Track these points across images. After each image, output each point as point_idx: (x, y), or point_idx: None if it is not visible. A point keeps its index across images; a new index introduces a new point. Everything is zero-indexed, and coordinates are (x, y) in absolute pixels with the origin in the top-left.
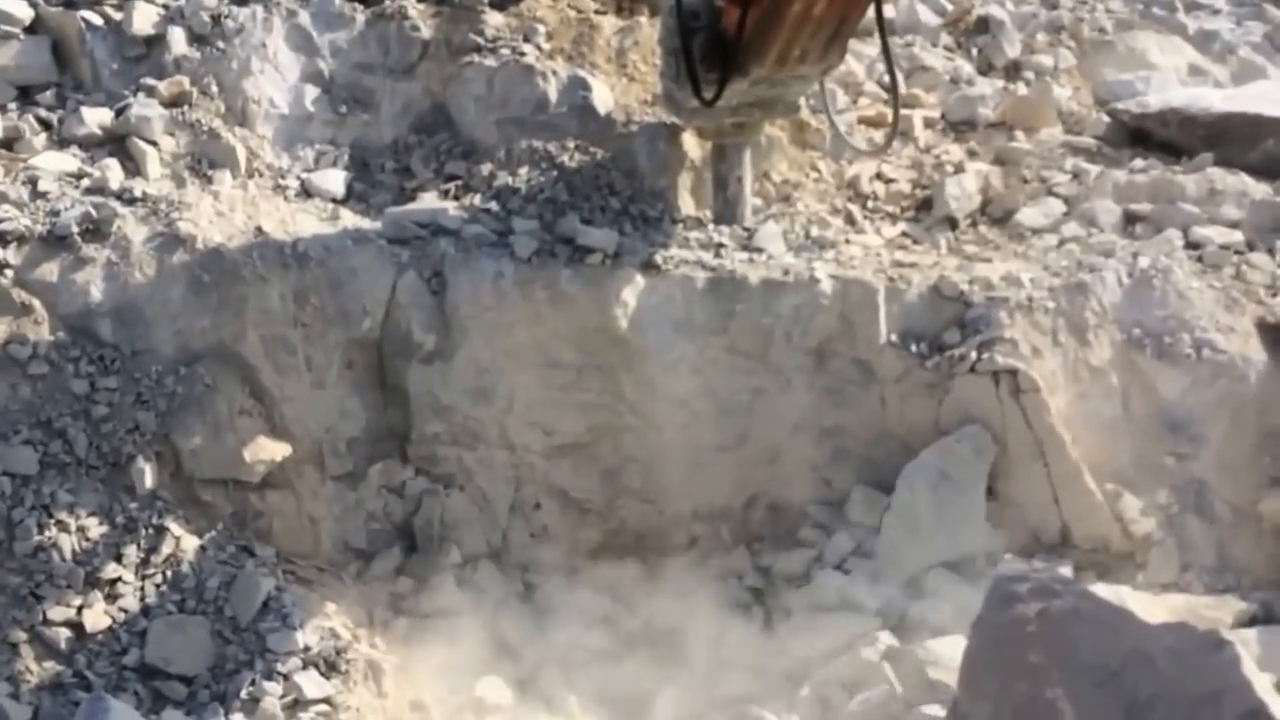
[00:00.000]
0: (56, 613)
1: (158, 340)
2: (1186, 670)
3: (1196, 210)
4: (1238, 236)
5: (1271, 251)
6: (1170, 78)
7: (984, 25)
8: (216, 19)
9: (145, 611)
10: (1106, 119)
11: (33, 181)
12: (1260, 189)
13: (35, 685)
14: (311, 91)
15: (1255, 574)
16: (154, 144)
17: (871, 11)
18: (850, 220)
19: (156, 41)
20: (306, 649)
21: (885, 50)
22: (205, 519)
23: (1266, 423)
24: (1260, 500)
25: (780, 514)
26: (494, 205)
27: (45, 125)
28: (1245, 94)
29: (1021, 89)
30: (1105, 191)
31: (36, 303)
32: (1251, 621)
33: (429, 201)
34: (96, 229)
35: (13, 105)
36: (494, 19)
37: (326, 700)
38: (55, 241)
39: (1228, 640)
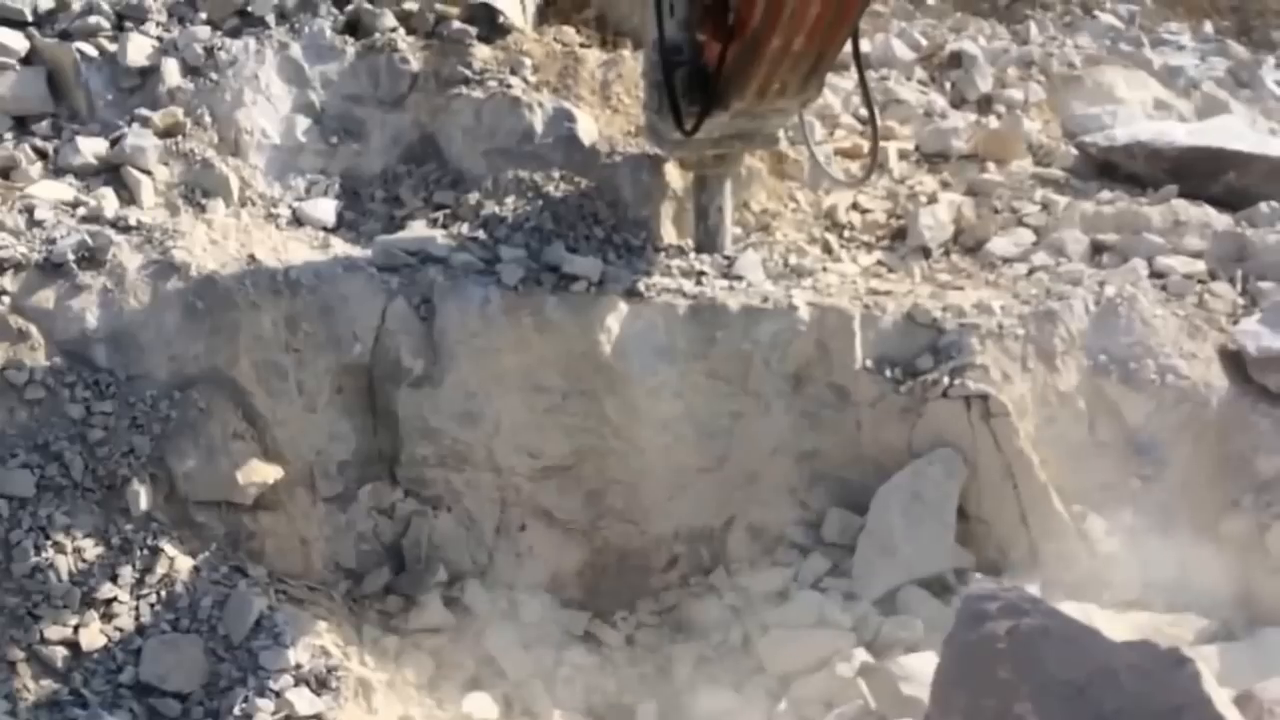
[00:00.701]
0: (53, 632)
1: (152, 365)
2: (1150, 686)
3: (1161, 240)
4: (1200, 266)
5: (1233, 280)
6: (1136, 112)
7: (957, 60)
8: (209, 51)
9: (140, 630)
10: (1075, 152)
11: (29, 210)
12: (1222, 220)
13: (32, 703)
14: (303, 122)
15: (1215, 593)
16: (148, 173)
17: (848, 46)
18: (827, 249)
19: (150, 73)
20: (298, 666)
21: (862, 84)
22: (199, 540)
23: (1227, 446)
24: (1220, 521)
25: (759, 534)
26: (481, 234)
27: (41, 155)
28: (1208, 128)
29: (993, 122)
30: (1073, 222)
31: (33, 329)
32: (1212, 638)
33: (418, 230)
34: (92, 256)
35: (9, 135)
36: (482, 52)
37: (318, 717)
38: (51, 269)
39: (1189, 657)
